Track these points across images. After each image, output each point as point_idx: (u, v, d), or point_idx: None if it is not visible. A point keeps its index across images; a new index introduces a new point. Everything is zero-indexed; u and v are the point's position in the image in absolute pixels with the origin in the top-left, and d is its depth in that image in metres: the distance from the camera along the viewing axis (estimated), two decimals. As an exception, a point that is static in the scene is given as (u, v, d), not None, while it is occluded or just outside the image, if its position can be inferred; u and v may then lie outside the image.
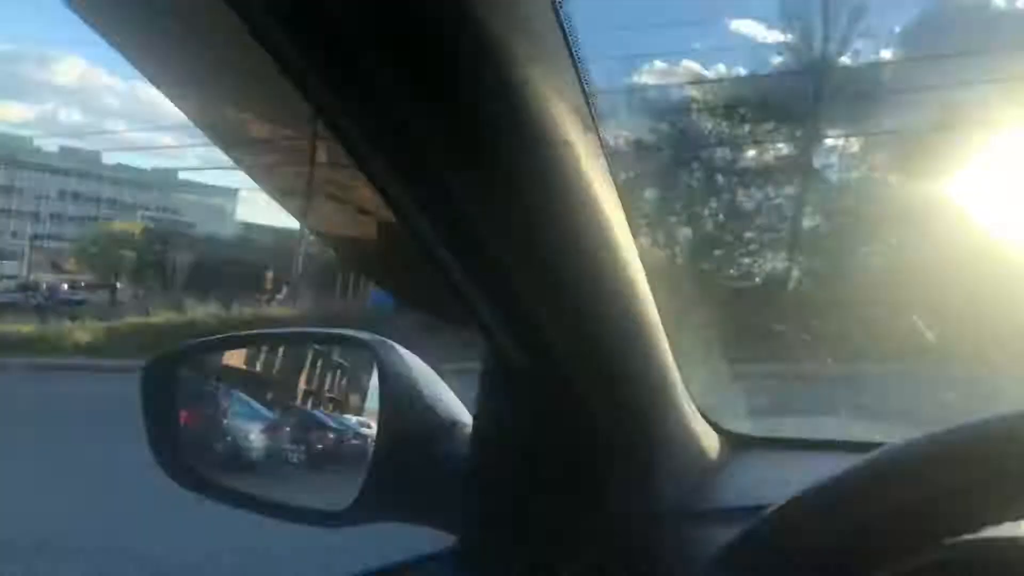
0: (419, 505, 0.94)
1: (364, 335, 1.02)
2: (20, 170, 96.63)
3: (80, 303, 44.79)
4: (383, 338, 0.99)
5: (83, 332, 17.23)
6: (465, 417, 0.94)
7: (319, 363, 1.17)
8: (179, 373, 1.17)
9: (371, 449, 0.96)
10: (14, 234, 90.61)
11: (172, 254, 60.04)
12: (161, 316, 18.09)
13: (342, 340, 1.15)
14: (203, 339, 1.22)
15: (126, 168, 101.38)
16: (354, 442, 1.06)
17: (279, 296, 35.08)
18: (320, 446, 1.13)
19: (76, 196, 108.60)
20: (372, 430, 0.98)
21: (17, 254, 77.47)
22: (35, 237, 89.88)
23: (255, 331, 1.49)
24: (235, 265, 51.73)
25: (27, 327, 18.16)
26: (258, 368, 1.20)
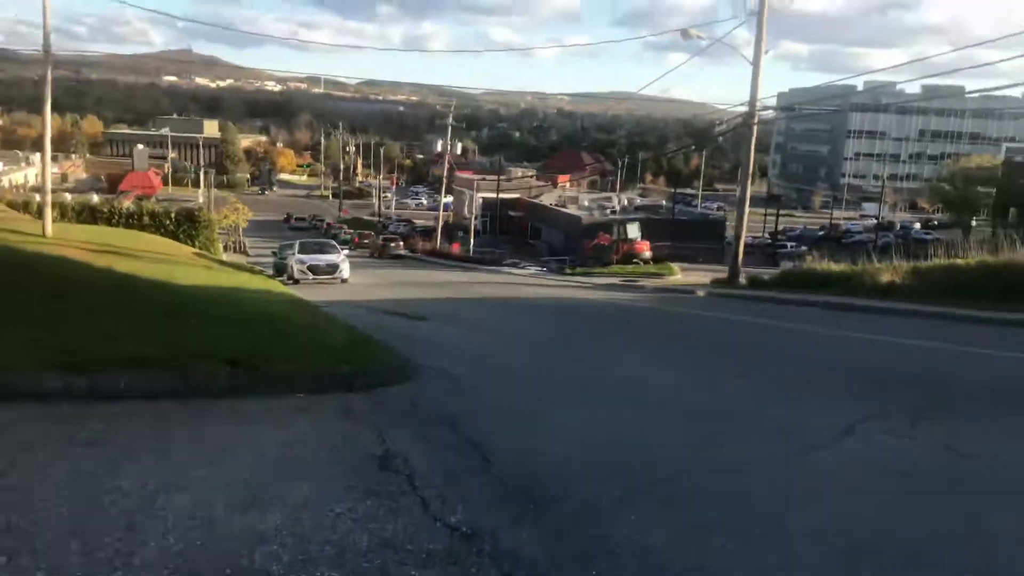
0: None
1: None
2: (883, 114, 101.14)
3: (930, 242, 44.41)
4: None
5: (886, 273, 16.87)
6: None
7: None
8: None
9: None
10: (875, 176, 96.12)
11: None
12: (970, 258, 16.21)
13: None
14: None
15: (994, 98, 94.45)
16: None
17: None
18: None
19: (936, 134, 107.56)
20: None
21: (877, 196, 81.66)
22: (892, 177, 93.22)
23: None
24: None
25: (839, 267, 18.89)
26: None
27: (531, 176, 77.91)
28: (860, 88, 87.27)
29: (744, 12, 21.96)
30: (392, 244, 49.91)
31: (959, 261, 16.45)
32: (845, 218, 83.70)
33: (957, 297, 14.53)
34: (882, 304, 14.72)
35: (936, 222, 72.25)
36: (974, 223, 61.60)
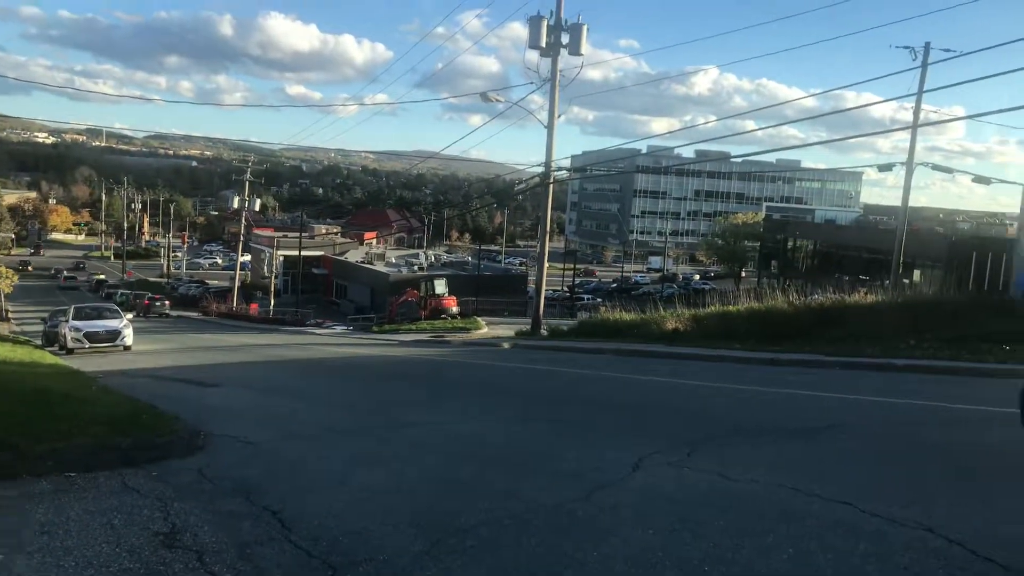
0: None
1: None
2: (663, 176, 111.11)
3: (707, 291, 48.73)
4: None
5: (671, 321, 18.32)
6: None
7: None
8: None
9: None
10: (660, 232, 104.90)
11: (792, 241, 60.61)
12: (740, 306, 18.04)
13: None
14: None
15: (753, 163, 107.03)
16: None
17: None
18: None
19: (709, 194, 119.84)
20: None
21: (662, 250, 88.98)
22: (674, 233, 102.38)
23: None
24: (852, 250, 49.43)
25: (630, 316, 20.28)
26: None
27: (335, 233, 76.63)
28: (644, 151, 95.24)
29: (538, 79, 23.32)
30: (158, 303, 51.40)
31: (731, 308, 18.23)
32: (634, 271, 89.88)
33: (731, 340, 16.05)
34: (667, 349, 15.92)
35: (712, 273, 79.66)
36: (744, 273, 68.45)
